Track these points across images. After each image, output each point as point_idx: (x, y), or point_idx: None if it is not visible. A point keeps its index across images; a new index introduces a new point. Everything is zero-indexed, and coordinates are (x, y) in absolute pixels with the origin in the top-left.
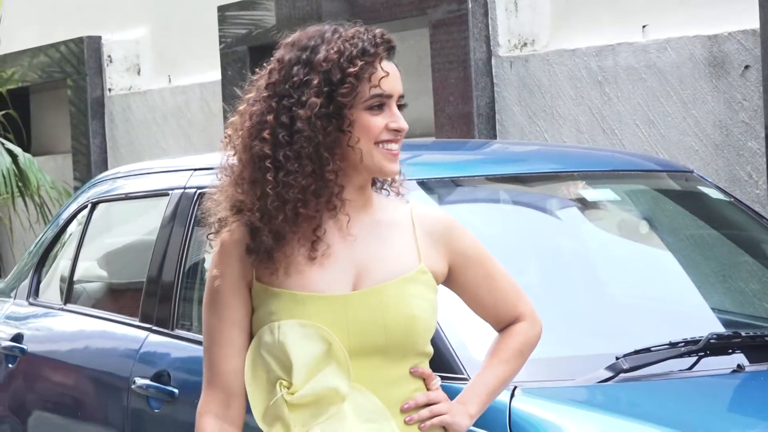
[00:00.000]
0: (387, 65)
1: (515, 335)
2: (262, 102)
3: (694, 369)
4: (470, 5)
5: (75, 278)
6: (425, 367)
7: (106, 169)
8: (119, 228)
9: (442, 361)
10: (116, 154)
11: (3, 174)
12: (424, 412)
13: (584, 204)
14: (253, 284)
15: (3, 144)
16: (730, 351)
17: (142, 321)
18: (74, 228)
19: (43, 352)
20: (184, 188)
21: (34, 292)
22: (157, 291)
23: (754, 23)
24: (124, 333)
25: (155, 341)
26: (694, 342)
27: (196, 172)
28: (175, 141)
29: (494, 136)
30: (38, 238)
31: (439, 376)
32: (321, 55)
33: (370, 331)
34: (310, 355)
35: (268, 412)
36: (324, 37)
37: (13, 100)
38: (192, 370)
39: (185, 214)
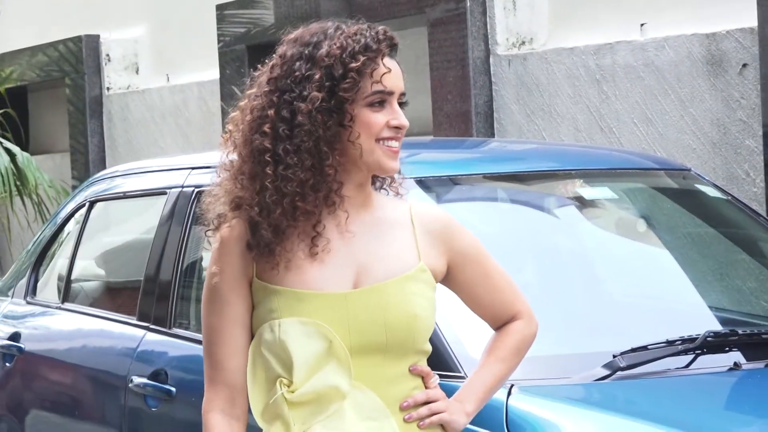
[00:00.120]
0: (389, 62)
1: (512, 333)
2: (263, 97)
3: (691, 367)
4: (468, 4)
5: (72, 277)
6: (424, 365)
7: (104, 168)
8: (117, 227)
9: (440, 360)
10: (114, 153)
11: (1, 173)
12: (423, 410)
13: (582, 202)
14: (254, 281)
15: (1, 143)
16: (727, 349)
17: (139, 320)
18: (72, 227)
19: (41, 351)
20: (182, 187)
21: (32, 290)
22: (154, 290)
23: (752, 21)
24: (121, 332)
25: (153, 340)
26: (691, 340)
27: (194, 170)
28: (174, 140)
29: (492, 135)
30: (36, 237)
31: (436, 374)
32: (323, 50)
33: (371, 330)
34: (311, 352)
35: (267, 409)
36: (327, 33)
37: (12, 98)
38: (189, 368)
39: (183, 213)
